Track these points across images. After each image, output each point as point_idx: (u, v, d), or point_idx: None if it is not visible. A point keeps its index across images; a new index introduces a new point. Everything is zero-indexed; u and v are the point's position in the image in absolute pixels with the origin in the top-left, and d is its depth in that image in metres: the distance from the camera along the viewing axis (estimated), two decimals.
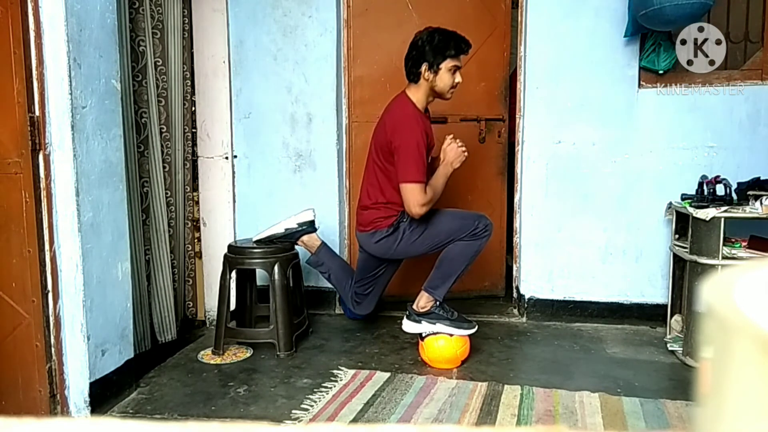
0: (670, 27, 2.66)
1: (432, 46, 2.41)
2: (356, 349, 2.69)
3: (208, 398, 2.20)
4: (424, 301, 2.52)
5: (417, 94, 2.49)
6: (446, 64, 2.43)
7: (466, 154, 2.52)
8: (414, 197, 2.39)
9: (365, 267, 2.72)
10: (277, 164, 3.19)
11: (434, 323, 2.49)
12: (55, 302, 1.98)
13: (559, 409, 2.07)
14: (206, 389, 2.28)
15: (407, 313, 2.58)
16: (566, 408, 2.07)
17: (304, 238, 2.79)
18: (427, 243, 2.51)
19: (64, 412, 2.00)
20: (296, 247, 2.79)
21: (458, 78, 2.46)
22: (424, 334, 2.51)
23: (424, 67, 2.44)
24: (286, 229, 2.72)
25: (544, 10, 2.94)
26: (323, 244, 2.83)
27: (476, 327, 2.55)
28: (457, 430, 0.33)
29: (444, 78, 2.44)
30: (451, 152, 2.50)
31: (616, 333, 2.87)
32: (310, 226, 2.77)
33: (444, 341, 2.45)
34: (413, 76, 2.49)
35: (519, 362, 2.55)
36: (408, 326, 2.57)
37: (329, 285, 3.21)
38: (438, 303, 2.51)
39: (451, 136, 2.56)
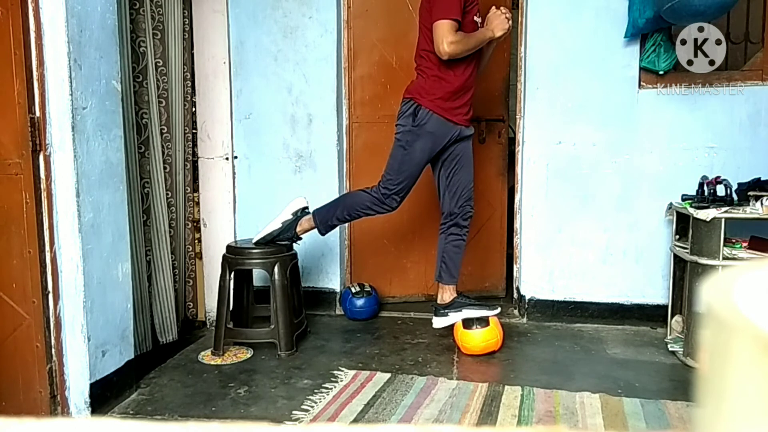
0: (698, 19, 2.53)
1: None
2: (357, 349, 2.69)
3: (209, 399, 2.20)
4: (446, 294, 2.62)
5: None
6: None
7: (510, 24, 2.47)
8: (443, 32, 2.32)
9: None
10: (277, 165, 3.19)
11: (460, 311, 2.59)
12: (56, 303, 1.98)
13: (559, 409, 2.07)
14: (206, 390, 2.28)
15: (434, 311, 2.68)
16: (567, 409, 2.07)
17: (299, 228, 2.65)
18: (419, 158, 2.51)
19: (65, 412, 2.00)
20: (294, 246, 2.77)
21: None
22: (461, 325, 2.59)
23: None
24: (283, 222, 2.64)
25: (544, 10, 2.94)
26: (314, 213, 2.65)
27: (499, 309, 2.64)
28: (458, 431, 0.33)
29: None
30: (496, 19, 2.45)
31: (617, 334, 2.86)
32: (303, 213, 2.67)
33: (479, 328, 2.57)
34: None
35: (519, 363, 2.55)
36: (438, 322, 2.66)
37: (329, 286, 3.22)
38: (457, 292, 2.63)
39: (494, 6, 2.51)
